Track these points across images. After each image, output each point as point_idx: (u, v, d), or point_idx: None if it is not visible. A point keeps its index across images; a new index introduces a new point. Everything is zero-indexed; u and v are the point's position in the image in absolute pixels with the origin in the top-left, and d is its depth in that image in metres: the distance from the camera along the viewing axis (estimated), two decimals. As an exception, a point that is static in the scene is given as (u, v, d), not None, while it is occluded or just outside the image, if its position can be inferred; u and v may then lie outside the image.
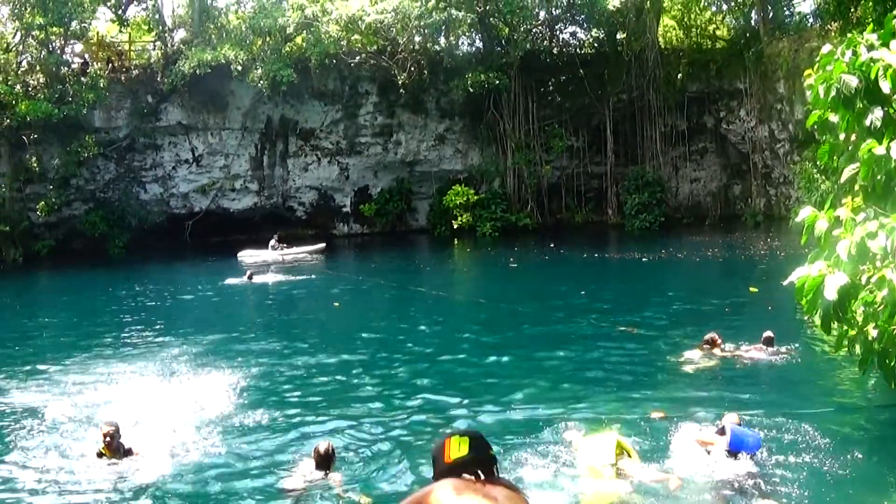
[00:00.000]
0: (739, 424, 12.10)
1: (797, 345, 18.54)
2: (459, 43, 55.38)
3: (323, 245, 45.95)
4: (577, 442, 12.16)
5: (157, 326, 24.86)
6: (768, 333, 18.24)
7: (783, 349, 18.09)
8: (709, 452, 11.75)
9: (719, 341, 18.23)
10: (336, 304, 29.37)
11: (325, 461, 11.29)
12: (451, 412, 15.03)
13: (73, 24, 46.77)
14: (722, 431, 11.86)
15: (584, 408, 14.77)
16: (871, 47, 7.89)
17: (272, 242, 44.54)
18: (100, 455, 12.17)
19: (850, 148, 8.91)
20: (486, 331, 23.41)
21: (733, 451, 11.60)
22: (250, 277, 34.06)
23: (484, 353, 20.26)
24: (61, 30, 46.94)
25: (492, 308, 26.44)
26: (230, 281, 33.73)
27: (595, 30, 55.75)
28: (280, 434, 13.80)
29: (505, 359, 19.36)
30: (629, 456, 11.61)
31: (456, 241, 49.65)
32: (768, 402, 14.55)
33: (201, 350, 20.56)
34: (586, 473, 11.55)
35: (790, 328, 19.47)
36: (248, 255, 42.79)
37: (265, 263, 40.77)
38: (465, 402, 15.58)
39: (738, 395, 14.90)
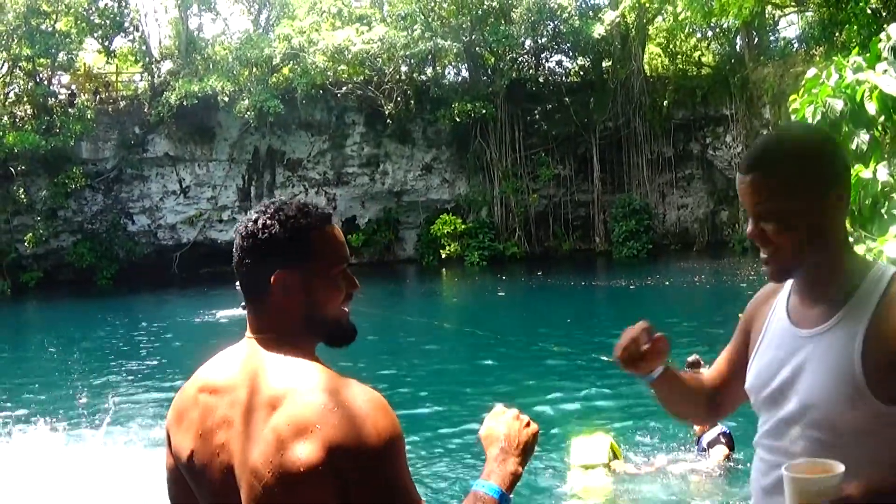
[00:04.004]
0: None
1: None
2: (446, 72, 55.55)
3: None
4: (570, 443, 12.48)
5: (147, 364, 24.52)
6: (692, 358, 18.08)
7: None
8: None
9: (702, 363, 18.23)
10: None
11: None
12: (440, 432, 15.14)
13: (60, 55, 46.85)
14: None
15: (570, 426, 14.87)
16: (857, 69, 7.91)
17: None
18: None
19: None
20: (474, 356, 23.47)
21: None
22: (244, 307, 33.77)
23: (471, 376, 20.39)
24: (48, 61, 47.03)
25: (479, 335, 26.41)
26: (222, 313, 33.45)
27: (581, 58, 55.83)
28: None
29: (492, 381, 19.50)
30: (618, 458, 12.01)
31: (444, 271, 49.54)
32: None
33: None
34: (578, 472, 11.96)
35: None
36: None
37: None
38: (452, 422, 15.71)
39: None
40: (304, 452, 2.30)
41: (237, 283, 2.68)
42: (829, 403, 2.61)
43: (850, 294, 2.69)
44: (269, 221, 2.62)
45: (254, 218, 2.67)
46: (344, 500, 2.30)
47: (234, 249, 2.71)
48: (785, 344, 2.83)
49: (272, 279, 2.58)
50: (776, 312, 2.96)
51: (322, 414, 2.33)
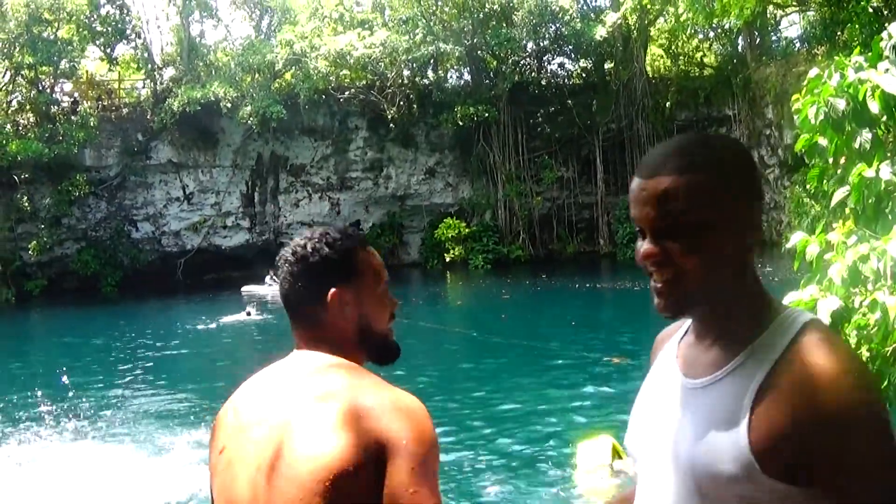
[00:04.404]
0: None
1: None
2: (448, 76, 55.58)
3: None
4: (575, 445, 12.66)
5: (153, 372, 24.45)
6: None
7: None
8: None
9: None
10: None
11: None
12: (443, 430, 15.14)
13: (63, 63, 46.84)
14: None
15: (575, 427, 14.93)
16: (859, 68, 7.91)
17: (267, 279, 44.66)
18: None
19: (839, 171, 8.93)
20: (479, 359, 23.51)
21: None
22: (249, 313, 34.05)
23: (475, 378, 20.42)
24: (50, 69, 47.02)
25: (483, 338, 26.48)
26: (227, 319, 33.56)
27: (583, 60, 55.88)
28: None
29: (497, 383, 19.55)
30: (621, 458, 12.11)
31: (448, 275, 49.52)
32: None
33: (196, 400, 20.23)
34: (583, 474, 12.12)
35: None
36: (249, 291, 43.08)
37: (262, 298, 40.99)
38: (456, 424, 15.74)
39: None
40: (348, 442, 2.39)
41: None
42: (708, 474, 2.10)
43: (750, 339, 2.17)
44: (318, 245, 2.77)
45: (301, 243, 2.80)
46: (379, 495, 2.38)
47: (281, 276, 2.83)
48: (668, 396, 2.33)
49: (329, 296, 2.71)
50: (664, 356, 2.48)
51: (370, 408, 2.44)
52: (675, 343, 2.43)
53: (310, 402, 2.53)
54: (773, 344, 2.12)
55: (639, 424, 2.41)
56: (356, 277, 2.77)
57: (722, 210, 2.11)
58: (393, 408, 2.45)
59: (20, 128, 45.92)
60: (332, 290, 2.71)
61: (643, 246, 2.18)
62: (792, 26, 52.22)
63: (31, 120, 46.72)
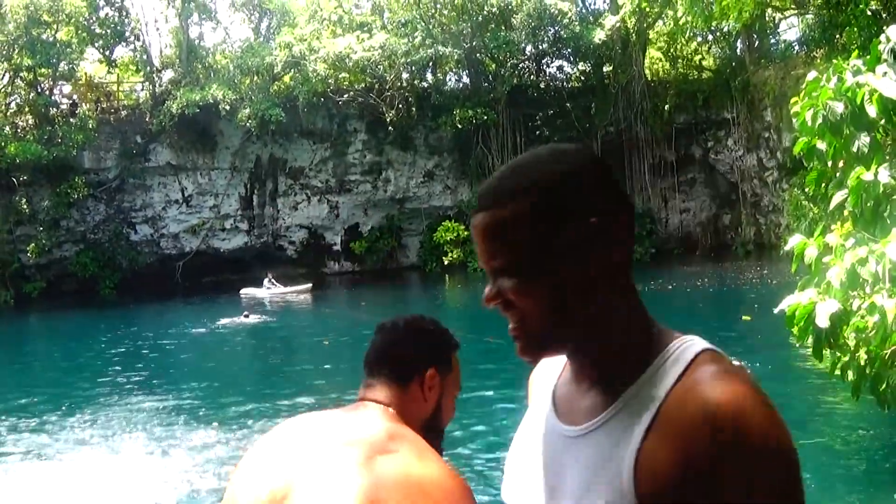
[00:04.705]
0: None
1: (787, 369, 18.63)
2: (447, 79, 55.56)
3: (309, 285, 45.76)
4: None
5: (151, 374, 24.37)
6: None
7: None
8: None
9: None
10: (326, 342, 29.30)
11: None
12: (448, 436, 15.11)
13: (61, 65, 46.89)
14: None
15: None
16: (856, 72, 7.91)
17: (266, 282, 44.72)
18: None
19: (838, 174, 8.92)
20: (479, 362, 23.47)
21: None
22: (246, 316, 34.06)
23: (475, 380, 20.41)
24: (49, 71, 47.05)
25: (482, 341, 26.45)
26: (225, 321, 33.52)
27: (581, 63, 55.77)
28: None
29: (497, 386, 19.60)
30: None
31: (447, 277, 49.46)
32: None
33: (195, 403, 20.20)
34: None
35: (782, 355, 19.46)
36: (247, 293, 43.21)
37: (260, 301, 41.07)
38: (457, 425, 15.71)
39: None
40: None
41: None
42: None
43: (633, 377, 1.88)
44: (432, 327, 3.02)
45: (419, 318, 3.04)
46: None
47: (384, 335, 3.01)
48: (545, 445, 2.03)
49: (427, 373, 2.89)
50: (540, 398, 2.18)
51: (432, 479, 2.49)
52: (551, 383, 2.15)
53: (361, 453, 2.54)
54: (660, 380, 1.83)
55: (516, 477, 2.11)
56: (448, 372, 2.97)
57: (549, 239, 1.85)
58: (448, 480, 2.51)
59: (19, 130, 45.99)
60: (432, 368, 2.89)
61: (485, 290, 1.94)
62: (791, 29, 52.33)
63: (30, 122, 46.74)
